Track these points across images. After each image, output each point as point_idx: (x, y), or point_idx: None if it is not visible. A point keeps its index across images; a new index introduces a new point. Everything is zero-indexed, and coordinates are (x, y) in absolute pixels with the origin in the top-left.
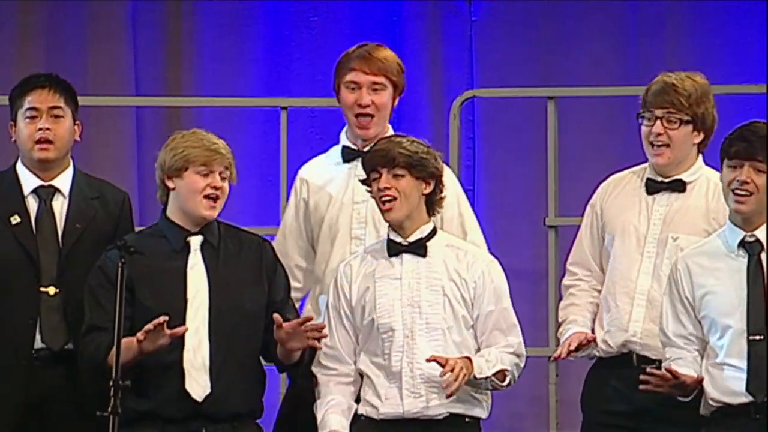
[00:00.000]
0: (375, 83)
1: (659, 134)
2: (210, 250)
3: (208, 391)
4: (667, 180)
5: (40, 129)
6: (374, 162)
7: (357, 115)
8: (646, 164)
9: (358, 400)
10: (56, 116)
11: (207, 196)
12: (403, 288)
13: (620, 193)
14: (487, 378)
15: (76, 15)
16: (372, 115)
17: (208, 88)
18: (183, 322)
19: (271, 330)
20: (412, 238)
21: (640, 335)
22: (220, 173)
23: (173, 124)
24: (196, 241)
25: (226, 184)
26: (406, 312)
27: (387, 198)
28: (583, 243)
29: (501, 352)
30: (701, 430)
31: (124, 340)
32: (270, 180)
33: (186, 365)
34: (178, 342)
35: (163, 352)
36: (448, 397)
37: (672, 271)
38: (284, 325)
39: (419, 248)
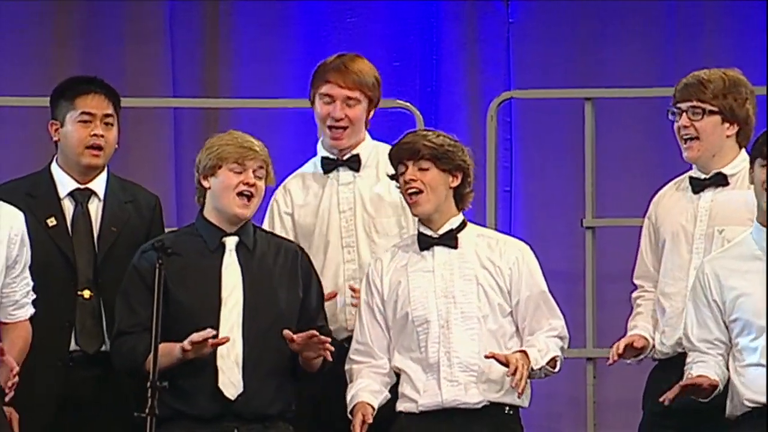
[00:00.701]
0: (349, 98)
1: (685, 127)
2: (245, 251)
3: (241, 389)
4: (709, 176)
5: (94, 135)
6: (400, 155)
7: (330, 127)
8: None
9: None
10: (108, 124)
11: (240, 193)
12: (436, 280)
13: (670, 198)
14: (541, 368)
15: (113, 16)
16: (345, 128)
17: (246, 89)
18: (217, 321)
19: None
20: (442, 231)
21: None
22: (254, 171)
23: (210, 125)
24: (231, 242)
25: (260, 183)
26: (441, 303)
27: (413, 190)
28: (643, 256)
29: (547, 337)
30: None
31: (162, 345)
32: None
33: (219, 364)
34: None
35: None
36: (519, 396)
37: (698, 275)
38: (295, 337)
39: (450, 240)
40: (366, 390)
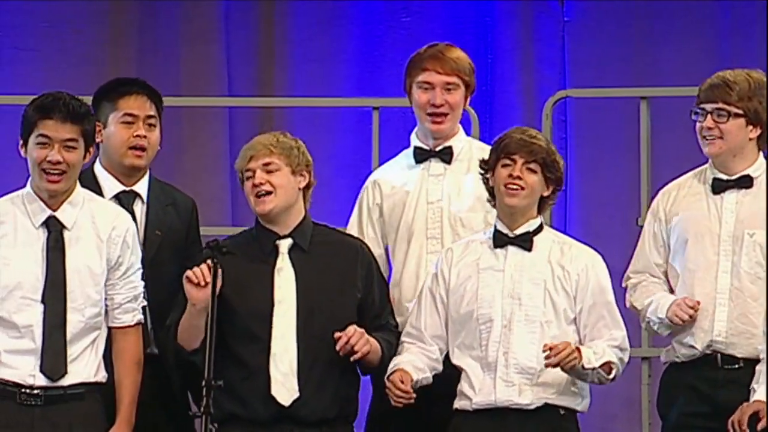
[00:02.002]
0: (448, 83)
1: (710, 128)
2: (299, 253)
3: (296, 395)
4: (733, 177)
5: (137, 136)
6: (512, 149)
7: (430, 114)
8: (704, 166)
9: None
10: (150, 125)
11: (256, 195)
12: (505, 280)
13: (684, 197)
14: (594, 369)
15: (168, 16)
16: (446, 114)
17: (301, 88)
18: (269, 327)
19: (369, 331)
20: (518, 231)
21: (725, 334)
22: (264, 165)
23: (265, 124)
24: (284, 245)
25: (275, 177)
26: (506, 304)
27: (515, 187)
28: (646, 252)
29: (606, 345)
30: None
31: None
32: (361, 180)
33: (272, 370)
34: (264, 347)
35: (249, 356)
36: (546, 366)
37: None
38: (338, 348)
39: (525, 241)
40: (409, 363)
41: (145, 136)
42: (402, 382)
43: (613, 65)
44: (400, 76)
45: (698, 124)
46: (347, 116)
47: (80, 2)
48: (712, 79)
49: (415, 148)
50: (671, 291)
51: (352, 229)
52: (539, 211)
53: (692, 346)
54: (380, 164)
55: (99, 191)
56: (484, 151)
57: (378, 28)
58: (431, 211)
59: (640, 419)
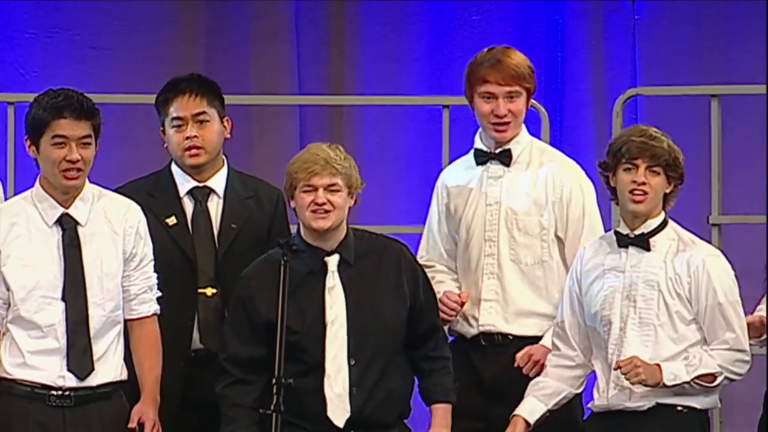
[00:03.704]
0: (510, 92)
1: None
2: (347, 269)
3: (348, 415)
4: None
5: (188, 137)
6: (634, 153)
7: (494, 124)
8: None
9: None
10: (202, 121)
11: (314, 211)
12: (624, 281)
13: None
14: (687, 383)
15: (239, 15)
16: (509, 122)
17: (371, 86)
18: (322, 347)
19: (419, 331)
20: (638, 231)
21: None
22: (328, 185)
23: (336, 122)
24: (333, 262)
25: (336, 197)
26: (624, 306)
27: (639, 192)
28: None
29: (714, 350)
30: None
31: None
32: (432, 179)
33: (327, 392)
34: (319, 368)
35: (304, 378)
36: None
37: None
38: None
39: (643, 242)
40: (537, 395)
41: (196, 136)
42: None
43: (683, 63)
44: None
45: None
46: (417, 114)
47: (152, 2)
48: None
49: (476, 149)
50: None
51: (428, 225)
52: (663, 207)
53: None
54: (450, 162)
55: (175, 189)
56: (544, 152)
57: (448, 26)
58: (489, 214)
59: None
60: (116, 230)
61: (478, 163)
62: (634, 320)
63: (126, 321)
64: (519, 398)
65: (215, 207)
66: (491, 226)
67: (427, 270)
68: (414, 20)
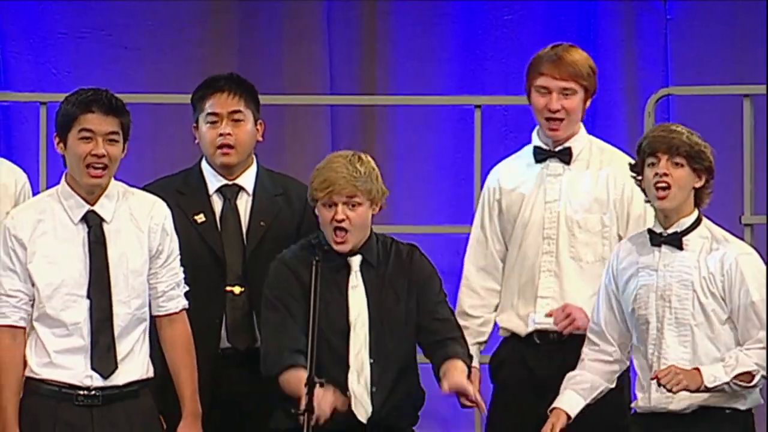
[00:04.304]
0: (565, 88)
1: None
2: (369, 270)
3: (371, 411)
4: None
5: (221, 134)
6: (654, 147)
7: (547, 119)
8: None
9: None
10: (236, 120)
11: (336, 228)
12: (658, 280)
13: None
14: (726, 383)
15: (271, 15)
16: (562, 119)
17: (402, 86)
18: (347, 345)
19: (429, 330)
20: (671, 230)
21: None
22: (347, 200)
23: (367, 122)
24: (356, 262)
25: (354, 213)
26: (659, 305)
27: (663, 185)
28: None
29: (749, 349)
30: None
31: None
32: (463, 179)
33: (351, 386)
34: (343, 362)
35: (328, 374)
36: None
37: None
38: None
39: (675, 240)
40: (575, 389)
41: (229, 134)
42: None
43: (715, 62)
44: (502, 74)
45: None
46: (449, 115)
47: (183, 2)
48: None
49: (535, 147)
50: None
51: (476, 225)
52: (697, 204)
53: None
54: (482, 162)
55: (204, 186)
56: (604, 151)
57: (480, 26)
58: (548, 211)
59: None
60: (141, 227)
61: (537, 161)
62: (670, 320)
63: (155, 318)
64: None
65: (244, 205)
66: (550, 224)
67: (462, 321)
68: (445, 20)
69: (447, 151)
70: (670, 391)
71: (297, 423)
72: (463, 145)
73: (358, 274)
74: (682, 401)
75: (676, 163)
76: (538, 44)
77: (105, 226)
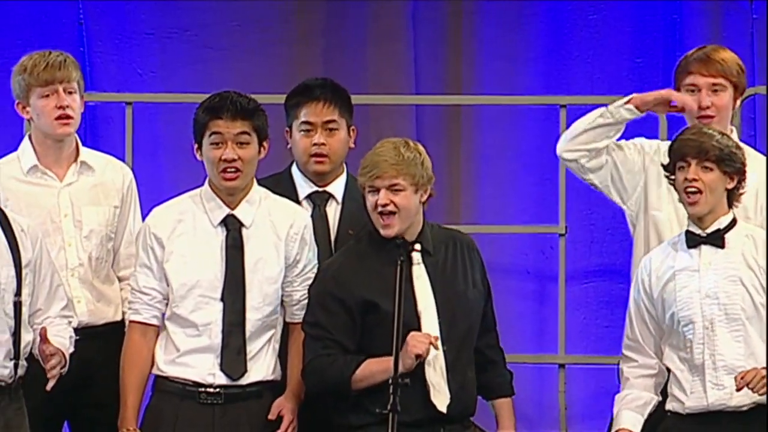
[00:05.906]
0: (714, 84)
1: None
2: (428, 257)
3: (449, 399)
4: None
5: (315, 144)
6: (684, 151)
7: (699, 117)
8: None
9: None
10: (331, 129)
11: (381, 213)
12: (701, 280)
13: None
14: None
15: (356, 15)
16: (713, 116)
17: (488, 86)
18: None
19: (485, 322)
20: (710, 230)
21: None
22: (389, 186)
23: (452, 122)
24: (416, 254)
25: (399, 198)
26: (705, 304)
27: (692, 190)
28: None
29: None
30: None
31: (376, 361)
32: (548, 178)
33: (429, 377)
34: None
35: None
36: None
37: None
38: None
39: (717, 239)
40: (631, 407)
41: (324, 143)
42: None
43: None
44: (587, 74)
45: None
46: (534, 114)
47: (268, 2)
48: None
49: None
50: None
51: None
52: (730, 205)
53: None
54: None
55: (294, 192)
56: (756, 159)
57: (565, 26)
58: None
59: None
60: (280, 235)
61: None
62: (720, 318)
63: (287, 324)
64: None
65: (333, 212)
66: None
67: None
68: (531, 20)
69: (532, 150)
70: (752, 390)
71: (373, 419)
72: (548, 144)
73: (421, 264)
74: (741, 398)
75: (706, 167)
76: (624, 44)
77: (244, 231)
